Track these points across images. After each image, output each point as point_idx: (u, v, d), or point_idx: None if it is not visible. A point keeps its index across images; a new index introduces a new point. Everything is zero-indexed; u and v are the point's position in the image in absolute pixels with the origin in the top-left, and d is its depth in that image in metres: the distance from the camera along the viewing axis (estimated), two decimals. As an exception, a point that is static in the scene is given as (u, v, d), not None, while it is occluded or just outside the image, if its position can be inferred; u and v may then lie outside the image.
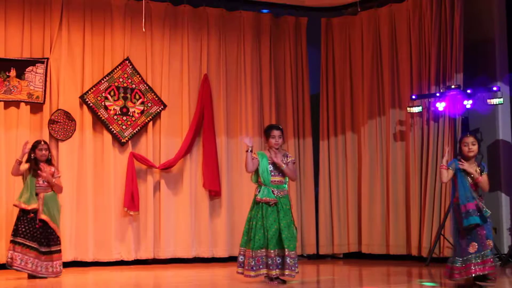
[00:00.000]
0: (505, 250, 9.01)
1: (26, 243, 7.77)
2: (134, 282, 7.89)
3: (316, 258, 10.44)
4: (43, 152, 7.98)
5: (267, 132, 7.22)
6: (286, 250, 6.82)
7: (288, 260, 6.82)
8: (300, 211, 10.46)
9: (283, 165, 7.04)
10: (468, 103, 8.77)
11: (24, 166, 7.93)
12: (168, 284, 7.74)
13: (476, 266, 6.26)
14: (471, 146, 6.42)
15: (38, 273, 7.78)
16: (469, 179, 6.41)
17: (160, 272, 8.74)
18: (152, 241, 9.56)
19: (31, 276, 7.82)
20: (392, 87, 10.00)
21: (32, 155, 7.97)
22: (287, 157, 7.14)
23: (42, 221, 7.84)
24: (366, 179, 10.12)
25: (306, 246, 10.43)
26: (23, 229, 7.80)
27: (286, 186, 7.13)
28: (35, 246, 7.79)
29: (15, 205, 7.97)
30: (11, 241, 7.82)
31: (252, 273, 6.86)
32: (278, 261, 6.87)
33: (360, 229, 10.19)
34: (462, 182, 6.40)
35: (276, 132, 7.12)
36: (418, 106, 9.32)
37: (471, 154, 6.43)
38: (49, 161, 8.07)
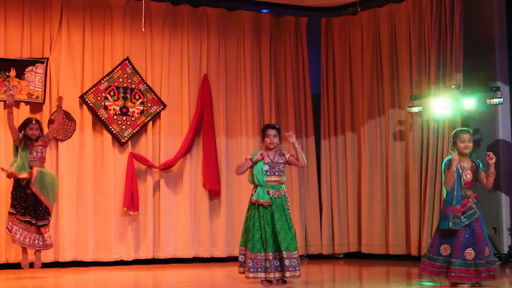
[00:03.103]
0: (505, 250, 9.01)
1: (21, 218, 7.76)
2: (133, 282, 7.89)
3: (316, 258, 10.42)
4: (34, 131, 7.90)
5: (262, 132, 7.08)
6: (284, 252, 6.72)
7: (287, 262, 6.71)
8: (304, 211, 10.45)
9: (296, 144, 6.91)
10: (468, 103, 8.77)
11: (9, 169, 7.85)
12: (167, 284, 7.73)
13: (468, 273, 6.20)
14: (467, 143, 6.37)
15: (35, 247, 7.84)
16: (464, 177, 6.34)
17: (160, 272, 8.74)
18: (151, 241, 9.56)
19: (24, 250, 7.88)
20: (392, 87, 10.00)
21: (22, 132, 7.90)
22: (283, 155, 6.99)
23: (33, 194, 7.81)
24: (366, 179, 10.12)
25: (310, 247, 10.43)
26: (17, 202, 7.78)
27: (283, 186, 6.99)
28: (29, 219, 7.78)
29: (2, 169, 7.92)
30: (12, 214, 7.81)
31: (251, 275, 6.79)
32: (277, 264, 6.75)
33: (360, 229, 10.20)
34: (457, 181, 6.31)
35: (271, 131, 6.97)
36: (418, 106, 9.31)
37: (467, 150, 6.39)
38: (39, 137, 7.99)
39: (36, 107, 9.21)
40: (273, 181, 6.92)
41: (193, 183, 9.90)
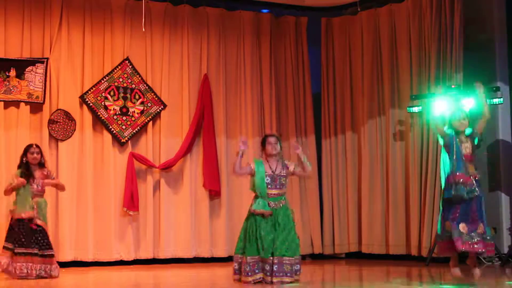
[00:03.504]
0: (505, 250, 9.01)
1: (27, 251, 7.56)
2: (134, 282, 7.88)
3: (317, 258, 10.43)
4: (35, 155, 7.74)
5: (263, 141, 6.96)
6: (285, 257, 6.64)
7: (285, 267, 6.64)
8: (304, 211, 10.46)
9: (302, 156, 6.82)
10: (468, 103, 8.76)
11: (15, 180, 7.67)
12: (168, 284, 7.73)
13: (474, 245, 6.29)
14: (462, 121, 6.57)
15: (43, 276, 7.62)
16: (464, 150, 6.47)
17: (160, 272, 8.74)
18: (152, 241, 9.56)
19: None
20: (392, 87, 10.00)
21: (24, 159, 7.76)
22: (287, 167, 6.87)
23: (39, 226, 7.65)
24: (366, 179, 10.12)
25: (311, 247, 10.42)
26: (20, 237, 7.57)
27: (285, 197, 6.88)
28: (35, 251, 7.60)
29: (10, 211, 7.73)
30: (8, 249, 7.60)
31: (250, 279, 6.68)
32: (275, 268, 6.64)
33: (360, 229, 10.20)
34: (456, 151, 6.44)
35: (271, 139, 6.86)
36: (418, 106, 9.31)
37: (463, 127, 6.58)
38: (41, 165, 7.85)
39: (36, 107, 9.21)
40: (274, 194, 6.81)
41: (193, 183, 9.90)
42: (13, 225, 7.67)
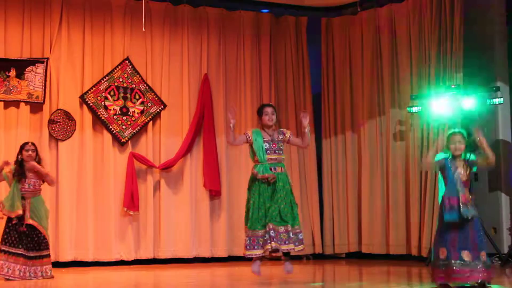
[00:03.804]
0: (505, 250, 9.01)
1: (11, 250, 7.51)
2: (134, 282, 7.89)
3: (317, 258, 10.43)
4: (29, 153, 7.65)
5: (259, 111, 7.09)
6: (289, 226, 6.73)
7: (291, 234, 6.73)
8: (305, 211, 10.44)
9: (307, 127, 6.93)
10: (468, 103, 8.77)
11: (6, 169, 7.62)
12: (168, 284, 7.73)
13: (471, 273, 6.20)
14: (458, 144, 6.38)
15: (27, 279, 7.52)
16: (458, 173, 6.32)
17: (160, 272, 8.74)
18: (152, 241, 9.56)
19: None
20: (392, 87, 10.00)
21: (19, 156, 7.71)
22: (283, 133, 7.03)
23: (29, 225, 7.55)
24: (366, 179, 10.12)
25: (311, 246, 10.38)
26: (6, 236, 7.54)
27: (283, 164, 6.99)
28: (20, 252, 7.52)
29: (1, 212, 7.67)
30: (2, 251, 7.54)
31: (247, 252, 6.77)
32: (273, 234, 6.68)
33: (360, 229, 10.20)
34: (449, 176, 6.31)
35: (268, 109, 6.99)
36: (418, 106, 9.32)
37: (458, 152, 6.38)
38: (37, 163, 7.75)
39: (36, 107, 9.21)
40: (273, 159, 6.92)
41: (194, 183, 9.90)
42: (6, 227, 7.61)
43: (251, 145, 6.97)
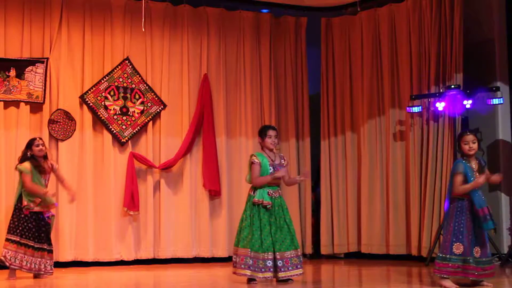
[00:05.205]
0: (505, 250, 9.02)
1: (22, 241, 7.65)
2: (134, 282, 7.89)
3: (316, 258, 10.43)
4: (40, 147, 7.78)
5: (262, 133, 7.15)
6: (277, 253, 6.80)
7: (279, 262, 6.78)
8: (303, 211, 10.46)
9: (285, 173, 7.10)
10: (468, 103, 8.77)
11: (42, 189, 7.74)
12: (168, 284, 7.74)
13: (477, 271, 6.27)
14: (471, 144, 6.39)
15: (32, 271, 7.71)
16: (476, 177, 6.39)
17: (160, 272, 8.74)
18: (152, 241, 9.56)
19: (36, 276, 7.78)
20: (392, 87, 10.00)
21: (29, 153, 7.79)
22: (283, 159, 7.20)
23: (44, 218, 7.79)
24: (366, 179, 10.12)
25: (310, 247, 10.42)
26: (20, 227, 7.67)
27: (280, 187, 7.12)
28: (31, 244, 7.69)
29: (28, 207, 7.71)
30: (13, 241, 7.66)
31: (248, 272, 6.80)
32: (269, 264, 6.78)
33: (360, 229, 10.19)
34: (470, 182, 6.33)
35: (272, 132, 7.10)
36: (418, 106, 9.32)
37: (472, 152, 6.41)
38: (46, 157, 7.93)
39: (36, 107, 9.21)
40: (273, 183, 7.02)
41: (193, 183, 9.90)
42: (22, 218, 7.67)
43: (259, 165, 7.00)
